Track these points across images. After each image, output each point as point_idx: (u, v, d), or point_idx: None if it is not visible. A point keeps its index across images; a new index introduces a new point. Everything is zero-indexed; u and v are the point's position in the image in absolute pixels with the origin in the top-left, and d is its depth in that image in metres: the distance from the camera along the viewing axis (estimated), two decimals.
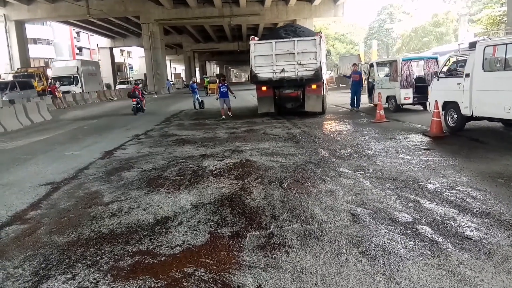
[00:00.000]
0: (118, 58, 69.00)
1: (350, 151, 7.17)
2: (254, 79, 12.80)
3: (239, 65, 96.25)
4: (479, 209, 3.99)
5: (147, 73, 41.45)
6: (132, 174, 6.23)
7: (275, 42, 12.52)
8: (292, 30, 13.53)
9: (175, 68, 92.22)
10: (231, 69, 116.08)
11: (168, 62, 65.58)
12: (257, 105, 14.33)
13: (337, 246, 3.28)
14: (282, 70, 12.41)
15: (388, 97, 13.57)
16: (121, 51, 75.04)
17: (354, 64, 15.03)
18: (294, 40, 12.39)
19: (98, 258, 3.29)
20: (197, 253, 3.31)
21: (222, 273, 2.94)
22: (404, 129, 9.66)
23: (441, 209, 4.02)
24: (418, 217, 3.85)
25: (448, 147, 7.16)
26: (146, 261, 3.21)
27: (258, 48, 12.67)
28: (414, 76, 12.74)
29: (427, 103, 10.04)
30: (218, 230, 3.77)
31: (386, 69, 14.51)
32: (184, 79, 63.04)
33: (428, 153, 6.79)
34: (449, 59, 9.80)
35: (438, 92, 9.22)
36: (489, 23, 33.61)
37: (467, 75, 8.11)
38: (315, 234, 3.55)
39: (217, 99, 14.44)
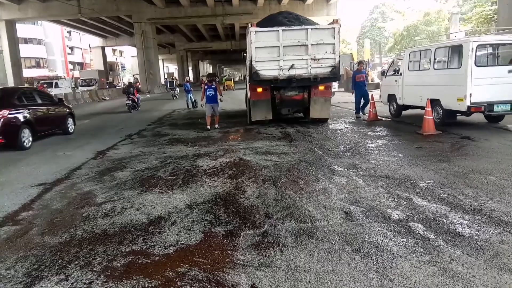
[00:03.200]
0: (110, 58, 68.63)
1: (343, 150, 7.20)
2: (255, 78, 9.98)
3: (232, 64, 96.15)
4: (470, 206, 4.03)
5: (140, 73, 41.27)
6: (125, 174, 6.20)
7: (283, 30, 9.79)
8: (295, 18, 11.02)
9: (168, 68, 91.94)
10: (224, 68, 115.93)
11: (160, 62, 65.28)
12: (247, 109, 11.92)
13: (330, 244, 3.29)
14: (291, 67, 9.87)
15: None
16: (113, 50, 74.68)
17: (361, 63, 12.56)
18: (307, 29, 9.83)
19: (91, 259, 3.27)
20: (191, 252, 3.31)
21: (216, 272, 2.94)
22: (396, 127, 9.72)
23: (433, 207, 4.06)
24: (411, 214, 3.88)
25: (440, 145, 7.22)
26: (139, 261, 3.20)
27: (260, 38, 9.85)
28: None
29: (379, 95, 12.57)
30: (212, 229, 3.76)
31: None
32: (177, 78, 62.70)
33: (420, 151, 6.84)
34: (393, 61, 12.64)
35: (385, 87, 11.88)
36: (479, 22, 33.91)
37: (401, 74, 10.68)
38: (308, 232, 3.56)
39: (202, 106, 11.51)
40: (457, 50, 8.72)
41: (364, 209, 4.07)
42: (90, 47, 61.95)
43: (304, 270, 2.89)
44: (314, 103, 10.60)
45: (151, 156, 7.52)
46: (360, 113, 12.07)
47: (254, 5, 36.21)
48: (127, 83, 22.75)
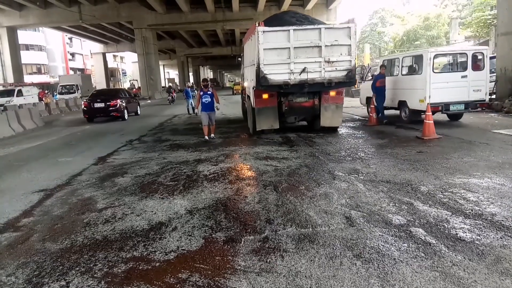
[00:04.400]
0: (111, 64, 68.84)
1: (344, 154, 7.20)
2: (263, 83, 8.99)
3: (233, 69, 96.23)
4: (471, 210, 4.03)
5: (141, 79, 41.28)
6: (126, 180, 6.21)
7: (294, 30, 8.89)
8: (303, 17, 10.33)
9: (168, 73, 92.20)
10: (225, 74, 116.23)
11: (161, 67, 65.53)
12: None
13: (331, 249, 3.28)
14: (303, 70, 9.02)
15: None
16: (114, 56, 74.92)
17: (383, 66, 11.60)
18: (320, 28, 9.02)
19: (91, 265, 3.27)
20: (192, 258, 3.30)
21: (216, 278, 2.94)
22: (397, 132, 9.72)
23: (434, 211, 4.05)
24: (412, 219, 3.87)
25: (441, 150, 7.22)
26: (140, 267, 3.19)
27: (269, 38, 8.88)
28: None
29: (359, 98, 14.23)
30: (213, 235, 3.76)
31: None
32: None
33: (421, 155, 6.84)
34: (370, 67, 15.07)
35: (364, 91, 13.43)
36: (479, 26, 34.02)
37: None
38: (309, 237, 3.56)
39: (196, 114, 10.72)
40: (419, 59, 10.12)
41: (365, 214, 4.06)
42: (91, 53, 62.11)
43: (305, 276, 2.88)
44: (325, 110, 9.80)
45: (151, 162, 7.52)
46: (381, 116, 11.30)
47: (254, 10, 36.34)
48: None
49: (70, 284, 2.98)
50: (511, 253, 3.06)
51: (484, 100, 10.01)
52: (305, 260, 3.13)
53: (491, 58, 11.57)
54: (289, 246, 3.39)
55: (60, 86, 37.31)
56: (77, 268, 3.23)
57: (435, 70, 9.72)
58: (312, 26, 9.17)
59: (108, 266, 3.24)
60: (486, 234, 3.44)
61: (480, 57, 9.89)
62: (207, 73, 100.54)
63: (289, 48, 8.94)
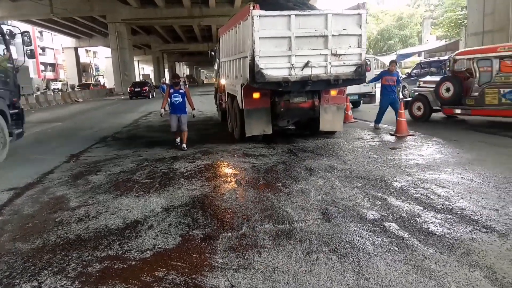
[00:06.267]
0: (83, 59, 67.09)
1: (321, 151, 7.28)
2: (259, 80, 7.33)
3: (210, 65, 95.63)
4: (442, 205, 4.16)
5: (114, 74, 40.46)
6: (100, 178, 6.08)
7: (296, 15, 7.36)
8: (300, 2, 8.68)
9: (143, 69, 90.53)
10: (201, 70, 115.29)
11: (136, 63, 64.33)
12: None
13: (308, 245, 3.33)
14: (307, 64, 7.49)
15: None
16: (87, 51, 72.95)
17: (393, 62, 10.00)
18: (326, 14, 7.50)
19: (65, 265, 3.19)
20: (169, 256, 3.28)
21: (194, 276, 2.93)
22: (371, 129, 9.91)
23: (407, 206, 4.16)
24: (385, 214, 3.97)
25: (414, 146, 7.42)
26: (115, 266, 3.14)
27: (265, 25, 7.28)
28: None
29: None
30: (190, 233, 3.74)
31: None
32: (153, 80, 61.62)
33: (394, 152, 7.00)
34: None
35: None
36: (450, 26, 35.01)
37: None
38: (286, 233, 3.59)
39: (162, 115, 9.07)
40: None
41: (340, 210, 4.13)
42: (62, 48, 60.33)
43: (283, 271, 2.91)
44: (325, 112, 8.54)
45: (126, 159, 7.39)
46: (380, 124, 9.98)
47: (231, 7, 36.13)
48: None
49: (43, 285, 2.90)
50: (480, 246, 3.19)
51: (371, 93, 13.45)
52: (282, 256, 3.16)
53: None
54: (266, 242, 3.42)
55: None
56: (50, 268, 3.15)
57: None
58: (317, 12, 7.77)
59: (82, 266, 3.17)
60: (456, 228, 3.56)
61: (368, 62, 10.17)
62: (183, 69, 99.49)
63: (290, 37, 7.40)
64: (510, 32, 14.20)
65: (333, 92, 8.47)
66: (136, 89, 31.56)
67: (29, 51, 8.53)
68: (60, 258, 3.33)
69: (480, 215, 3.84)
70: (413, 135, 8.55)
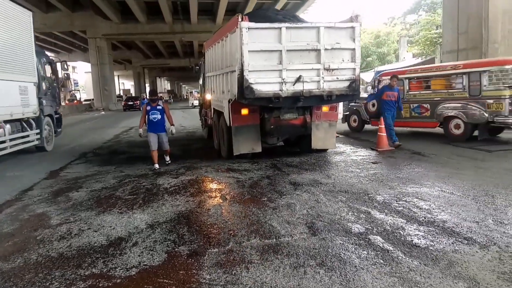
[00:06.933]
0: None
1: (305, 166, 7.34)
2: (248, 96, 7.05)
3: (191, 81, 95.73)
4: (424, 218, 4.25)
5: (94, 89, 40.11)
6: (81, 195, 5.96)
7: (287, 28, 7.13)
8: (290, 15, 8.75)
9: (123, 84, 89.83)
10: (183, 85, 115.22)
11: (116, 78, 63.81)
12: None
13: (295, 259, 3.34)
14: (299, 79, 7.24)
15: None
16: None
17: (394, 77, 9.61)
18: (319, 27, 7.27)
19: (47, 284, 3.10)
20: (155, 273, 3.23)
21: None
22: (353, 144, 10.08)
23: (390, 219, 4.24)
24: (370, 227, 4.03)
25: (394, 160, 7.57)
26: (100, 285, 3.07)
27: (255, 37, 7.04)
28: None
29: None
30: (176, 249, 3.70)
31: None
32: (132, 94, 61.10)
33: (376, 166, 7.13)
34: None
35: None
36: (426, 44, 36.23)
37: None
38: (273, 248, 3.59)
39: (140, 135, 8.18)
40: None
41: (326, 224, 4.17)
42: None
43: (271, 286, 2.91)
44: (316, 128, 8.20)
45: (108, 175, 7.28)
46: (396, 139, 9.16)
47: (213, 23, 36.53)
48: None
49: None
50: (462, 257, 3.27)
51: None
52: (270, 270, 3.15)
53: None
54: (253, 258, 3.41)
55: None
56: None
57: None
58: (309, 25, 7.48)
59: (65, 284, 3.08)
60: (439, 240, 3.64)
61: None
62: (165, 84, 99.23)
63: (281, 51, 7.14)
64: (483, 50, 14.80)
65: (325, 108, 8.17)
66: (129, 103, 38.69)
67: (66, 75, 13.64)
68: (43, 277, 3.23)
69: (461, 227, 3.94)
70: (393, 149, 8.73)
